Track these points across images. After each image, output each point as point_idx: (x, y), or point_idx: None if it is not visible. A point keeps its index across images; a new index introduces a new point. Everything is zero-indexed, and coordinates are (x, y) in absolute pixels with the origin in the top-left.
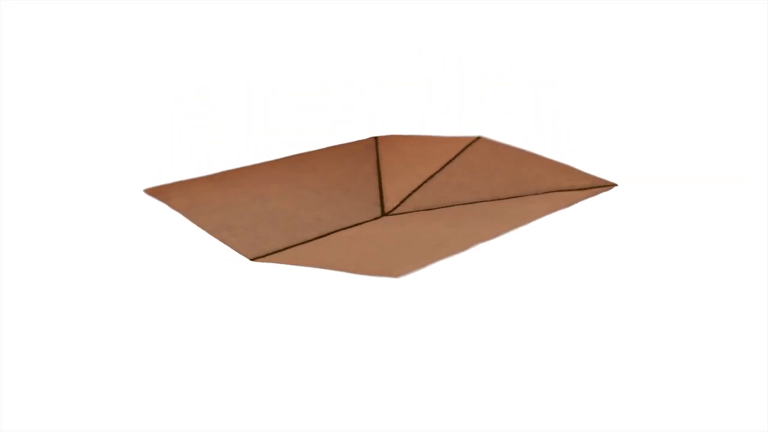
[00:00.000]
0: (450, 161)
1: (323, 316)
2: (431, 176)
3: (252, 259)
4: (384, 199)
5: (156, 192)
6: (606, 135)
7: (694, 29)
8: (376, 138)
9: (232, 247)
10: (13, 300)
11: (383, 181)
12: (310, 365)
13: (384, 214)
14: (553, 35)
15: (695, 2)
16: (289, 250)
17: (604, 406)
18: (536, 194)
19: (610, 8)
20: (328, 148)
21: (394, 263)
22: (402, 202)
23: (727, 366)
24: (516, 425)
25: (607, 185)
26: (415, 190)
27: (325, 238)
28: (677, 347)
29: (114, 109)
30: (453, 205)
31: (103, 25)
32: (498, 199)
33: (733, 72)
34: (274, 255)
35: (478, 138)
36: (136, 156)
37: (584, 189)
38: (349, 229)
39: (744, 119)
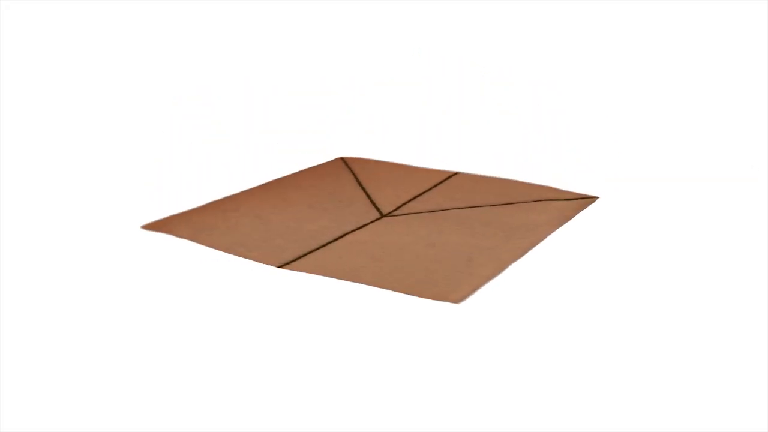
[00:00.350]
0: (432, 187)
1: (355, 325)
2: (421, 193)
3: (279, 266)
4: (378, 205)
5: (156, 226)
6: (605, 135)
7: (693, 29)
8: (343, 159)
9: (254, 260)
10: (33, 307)
11: (370, 192)
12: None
13: (383, 215)
14: (553, 35)
15: (696, 2)
16: (310, 255)
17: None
18: (529, 202)
19: (610, 8)
20: (301, 171)
21: (441, 284)
22: (399, 207)
23: (743, 367)
24: None
25: (590, 198)
26: (409, 200)
27: (338, 241)
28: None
29: (114, 109)
30: (452, 209)
31: (103, 25)
32: (495, 205)
33: (733, 72)
34: (299, 261)
35: (456, 173)
36: (136, 155)
37: (571, 200)
38: (357, 232)
39: (744, 120)
